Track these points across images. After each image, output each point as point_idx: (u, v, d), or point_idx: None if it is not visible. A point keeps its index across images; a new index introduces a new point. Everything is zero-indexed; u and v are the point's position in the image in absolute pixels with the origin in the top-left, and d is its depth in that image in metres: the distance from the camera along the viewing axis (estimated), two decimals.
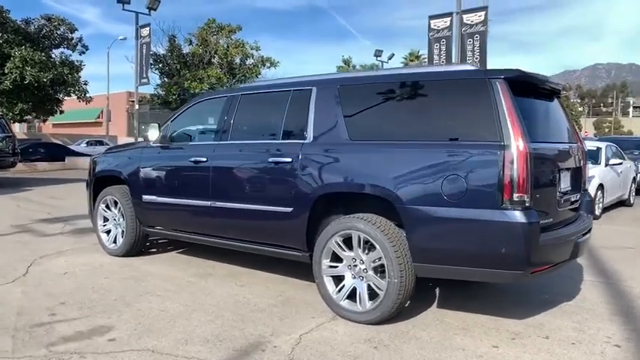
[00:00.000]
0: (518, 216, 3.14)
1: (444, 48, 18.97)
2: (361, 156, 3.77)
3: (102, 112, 63.01)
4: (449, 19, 18.83)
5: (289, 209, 4.13)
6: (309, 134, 4.11)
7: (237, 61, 30.84)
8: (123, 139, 45.38)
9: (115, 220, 5.82)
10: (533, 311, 4.10)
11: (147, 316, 3.86)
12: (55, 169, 20.16)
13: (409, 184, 3.47)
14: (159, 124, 5.25)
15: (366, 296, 3.73)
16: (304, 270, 4.89)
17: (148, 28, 22.79)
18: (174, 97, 27.58)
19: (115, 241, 5.80)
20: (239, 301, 4.26)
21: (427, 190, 3.41)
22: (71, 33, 25.23)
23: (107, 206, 5.86)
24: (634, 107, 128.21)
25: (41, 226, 7.60)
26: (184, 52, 29.30)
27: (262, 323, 3.76)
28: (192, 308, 4.06)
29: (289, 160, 4.13)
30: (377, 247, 3.63)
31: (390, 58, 40.42)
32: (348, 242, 3.86)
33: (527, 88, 3.57)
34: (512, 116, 3.21)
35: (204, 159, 4.76)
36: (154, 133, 5.25)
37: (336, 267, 3.92)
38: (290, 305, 4.16)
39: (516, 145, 3.15)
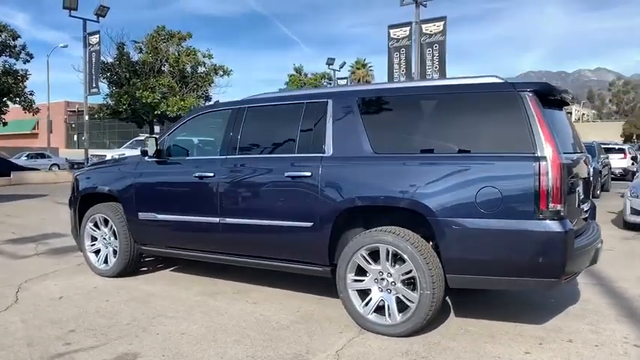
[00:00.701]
0: (555, 226, 3.25)
1: (403, 57, 19.44)
2: (389, 169, 3.78)
3: (37, 123, 59.98)
4: (408, 28, 19.33)
5: (309, 224, 4.08)
6: (329, 148, 4.09)
7: (189, 69, 30.35)
8: (64, 152, 43.40)
9: (105, 239, 5.55)
10: (546, 316, 4.24)
11: (170, 340, 3.69)
12: (1, 185, 18.96)
13: (442, 196, 3.52)
14: (156, 139, 5.05)
15: (395, 309, 3.74)
16: (311, 284, 4.90)
17: (97, 36, 21.97)
18: (124, 107, 26.73)
19: (106, 261, 5.52)
20: (258, 319, 4.16)
21: (461, 201, 3.46)
22: (13, 40, 23.97)
23: (95, 225, 5.58)
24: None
25: (11, 247, 7.13)
26: (133, 60, 28.50)
27: (293, 341, 3.68)
28: (213, 329, 3.93)
29: (308, 174, 4.08)
30: (407, 259, 3.64)
31: (341, 67, 40.79)
32: (373, 255, 3.85)
33: (547, 99, 3.70)
34: (544, 128, 3.33)
35: (211, 174, 4.63)
36: (152, 147, 5.04)
37: (362, 281, 3.91)
38: (312, 321, 4.10)
39: (550, 156, 3.26)
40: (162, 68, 29.05)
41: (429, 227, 3.69)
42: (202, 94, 30.81)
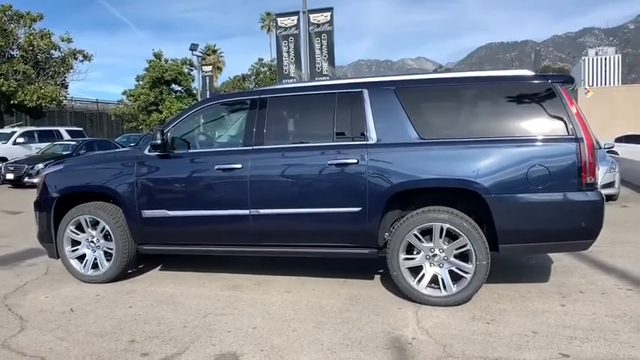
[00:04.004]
0: (595, 195, 3.88)
1: (292, 45, 19.70)
2: (440, 153, 4.10)
3: None
4: (296, 17, 19.60)
5: (357, 209, 4.24)
6: (372, 135, 4.27)
7: (44, 54, 27.11)
8: None
9: (92, 242, 5.05)
10: (544, 275, 4.95)
11: (252, 336, 3.63)
12: None
13: (495, 175, 3.94)
14: (162, 131, 4.72)
15: (450, 281, 4.11)
16: (324, 268, 5.08)
17: None
18: None
19: (95, 267, 5.04)
20: (311, 306, 4.23)
21: (513, 179, 3.93)
22: None
23: (78, 227, 5.05)
24: None
25: None
26: None
27: (368, 321, 3.86)
28: (280, 320, 3.92)
29: (354, 161, 4.23)
30: (462, 234, 4.03)
31: (193, 50, 38.42)
32: (424, 234, 4.17)
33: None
34: (578, 113, 3.93)
35: (238, 165, 4.51)
36: (157, 140, 4.69)
37: (414, 258, 4.20)
38: (363, 302, 4.29)
39: (586, 137, 3.87)
40: (13, 53, 25.54)
41: (473, 204, 4.12)
42: (62, 81, 27.79)
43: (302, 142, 4.57)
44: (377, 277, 4.97)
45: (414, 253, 4.22)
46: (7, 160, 15.80)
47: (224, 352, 3.36)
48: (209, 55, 57.07)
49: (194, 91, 37.04)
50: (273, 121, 4.64)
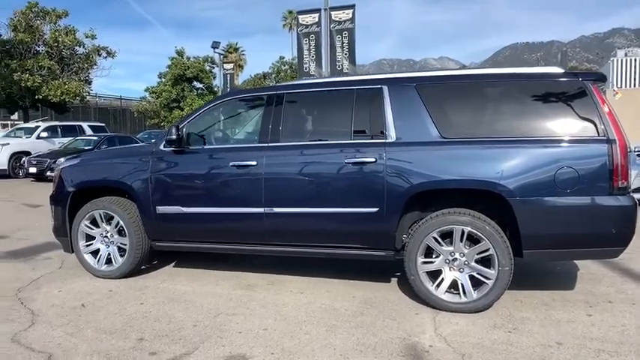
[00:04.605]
0: (626, 200, 3.67)
1: (313, 43, 19.60)
2: (462, 153, 3.93)
3: None
4: (317, 15, 19.48)
5: (374, 209, 4.10)
6: (391, 133, 4.13)
7: (69, 50, 27.51)
8: None
9: (106, 237, 5.01)
10: (570, 282, 4.74)
11: (262, 338, 3.52)
12: None
13: (521, 177, 3.76)
14: (177, 126, 4.64)
15: (470, 287, 3.94)
16: (337, 269, 4.95)
17: None
18: None
19: (108, 262, 5.00)
20: (324, 308, 4.11)
21: (540, 182, 3.74)
22: None
23: (93, 222, 5.01)
24: None
25: None
26: (4, 38, 25.08)
27: (382, 326, 3.71)
28: (292, 322, 3.81)
29: (372, 159, 4.09)
30: (484, 238, 3.85)
31: (215, 48, 38.53)
32: (444, 237, 4.01)
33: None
34: (610, 113, 3.72)
35: (253, 162, 4.41)
36: (173, 135, 4.62)
37: (432, 262, 4.04)
38: (378, 306, 4.15)
39: (619, 138, 3.66)
40: (38, 49, 25.97)
41: (496, 207, 3.94)
42: (85, 77, 28.17)
43: (318, 140, 4.44)
44: (394, 279, 4.83)
45: (433, 256, 4.07)
46: (31, 154, 16.01)
47: (233, 354, 3.26)
48: (231, 53, 57.42)
49: (215, 89, 37.20)
50: (289, 118, 4.52)
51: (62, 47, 26.50)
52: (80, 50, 28.30)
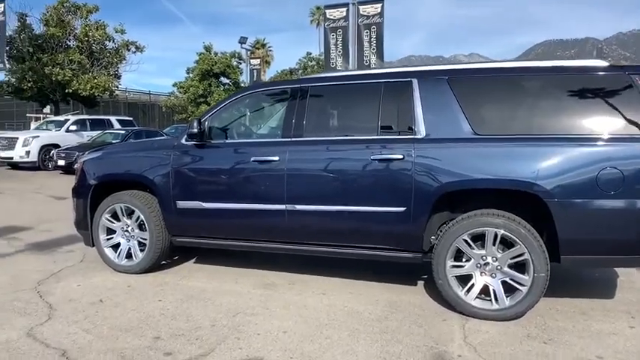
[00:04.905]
0: None
1: (340, 38, 19.41)
2: (497, 151, 3.70)
3: None
4: (345, 9, 19.28)
5: (401, 209, 3.90)
6: (421, 129, 3.92)
7: (98, 44, 27.90)
8: None
9: (126, 231, 4.93)
10: (609, 290, 4.45)
11: (281, 341, 3.37)
12: None
13: (561, 178, 3.51)
14: (199, 120, 4.52)
15: (503, 293, 3.71)
16: (357, 270, 4.76)
17: (2, 5, 19.39)
18: (29, 84, 23.99)
19: (129, 257, 4.92)
20: (347, 311, 3.93)
21: (581, 183, 3.48)
22: None
23: (114, 216, 4.94)
24: None
25: None
26: (37, 33, 25.57)
27: (408, 333, 3.52)
28: (313, 325, 3.64)
29: (400, 156, 3.89)
30: (519, 242, 3.62)
31: (242, 43, 38.53)
32: (475, 240, 3.79)
33: None
34: None
35: (275, 158, 4.26)
36: (194, 129, 4.49)
37: (462, 266, 3.83)
38: (403, 310, 3.95)
39: None
40: (69, 43, 26.41)
41: (532, 209, 3.70)
42: (114, 71, 28.56)
43: (343, 135, 4.26)
44: (420, 282, 4.62)
45: (463, 260, 3.85)
46: (60, 146, 16.25)
47: (251, 357, 3.12)
48: (258, 49, 57.49)
49: (242, 84, 37.31)
50: (313, 112, 4.35)
51: (92, 42, 26.89)
52: (110, 45, 28.69)
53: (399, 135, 3.99)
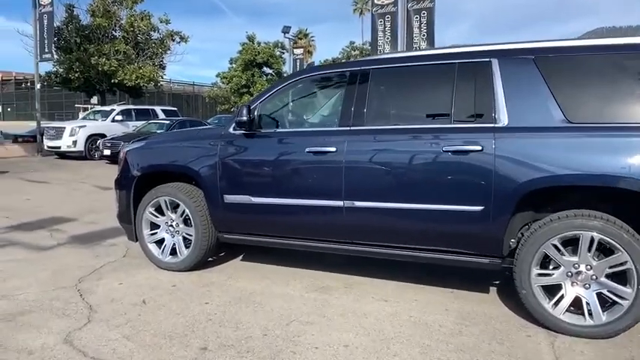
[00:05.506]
0: None
1: (388, 24, 18.71)
2: (598, 141, 3.15)
3: None
4: None
5: (478, 207, 3.41)
6: (503, 116, 3.40)
7: (144, 35, 28.15)
8: None
9: (171, 226, 4.62)
10: None
11: (344, 357, 2.97)
12: None
13: None
14: (249, 107, 4.13)
15: (599, 307, 3.17)
16: (428, 272, 4.28)
17: None
18: (76, 74, 24.43)
19: (173, 253, 4.61)
20: (413, 322, 3.48)
21: None
22: None
23: (158, 210, 4.64)
24: None
25: (22, 236, 5.96)
26: (83, 23, 26.00)
27: (487, 350, 3.05)
28: (377, 338, 3.22)
29: (478, 148, 3.39)
30: (621, 249, 3.07)
31: (285, 33, 38.07)
32: (566, 244, 3.26)
33: None
34: None
35: (332, 149, 3.83)
36: (244, 117, 4.11)
37: (550, 275, 3.31)
38: (479, 323, 3.47)
39: None
40: (115, 33, 26.75)
41: (633, 210, 3.15)
42: (159, 62, 28.80)
43: (410, 124, 3.78)
44: (492, 289, 4.12)
45: (551, 267, 3.33)
46: (106, 136, 16.36)
47: None
48: (300, 39, 57.16)
49: (285, 74, 37.04)
50: (375, 98, 3.90)
51: (137, 32, 27.12)
52: (155, 35, 28.92)
53: (477, 124, 3.48)
